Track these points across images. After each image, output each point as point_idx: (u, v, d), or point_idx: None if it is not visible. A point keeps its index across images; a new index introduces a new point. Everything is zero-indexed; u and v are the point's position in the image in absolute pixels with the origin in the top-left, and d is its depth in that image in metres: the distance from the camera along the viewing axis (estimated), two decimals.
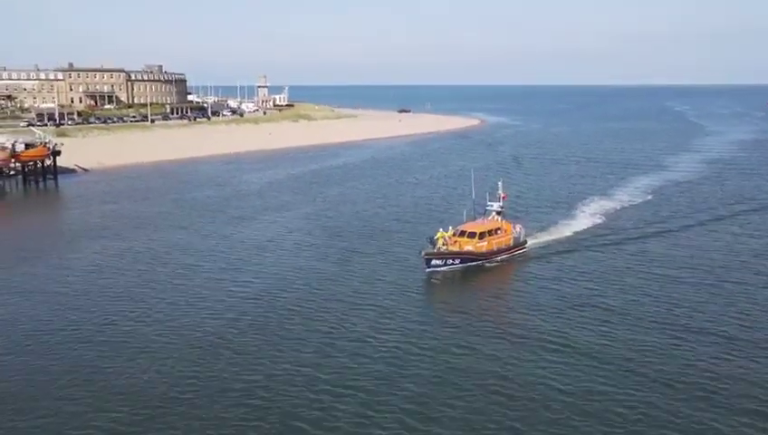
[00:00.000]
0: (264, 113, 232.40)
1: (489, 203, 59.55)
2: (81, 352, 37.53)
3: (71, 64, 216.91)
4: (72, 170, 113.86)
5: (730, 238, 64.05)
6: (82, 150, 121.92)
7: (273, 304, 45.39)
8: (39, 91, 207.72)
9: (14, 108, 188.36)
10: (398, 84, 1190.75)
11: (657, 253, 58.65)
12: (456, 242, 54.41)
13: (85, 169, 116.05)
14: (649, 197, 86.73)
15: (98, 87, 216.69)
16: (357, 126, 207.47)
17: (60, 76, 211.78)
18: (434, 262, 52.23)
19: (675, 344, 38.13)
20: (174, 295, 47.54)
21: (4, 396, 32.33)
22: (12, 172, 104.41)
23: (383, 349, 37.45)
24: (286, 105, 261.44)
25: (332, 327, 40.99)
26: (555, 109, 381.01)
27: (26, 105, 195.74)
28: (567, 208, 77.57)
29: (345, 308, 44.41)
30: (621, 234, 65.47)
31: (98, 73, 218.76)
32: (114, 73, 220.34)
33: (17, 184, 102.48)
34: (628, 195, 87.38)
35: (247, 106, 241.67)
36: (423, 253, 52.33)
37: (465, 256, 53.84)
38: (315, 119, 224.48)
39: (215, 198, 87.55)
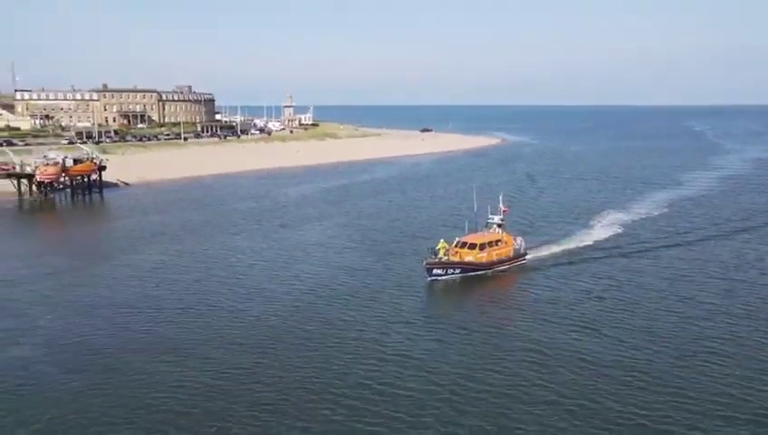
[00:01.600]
0: (291, 132, 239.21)
1: (490, 216, 62.00)
2: (163, 331, 43.28)
3: (105, 85, 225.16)
4: (115, 184, 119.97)
5: (738, 252, 66.16)
6: (123, 166, 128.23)
7: (314, 297, 50.99)
8: (75, 111, 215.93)
9: (53, 126, 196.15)
10: (419, 105, 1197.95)
11: (660, 265, 60.60)
12: (456, 253, 56.93)
13: (127, 184, 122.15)
14: (658, 211, 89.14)
15: (131, 107, 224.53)
16: (381, 144, 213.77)
17: (95, 96, 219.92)
18: (435, 271, 54.63)
19: (678, 356, 39.27)
20: (234, 289, 53.19)
21: (98, 360, 38.11)
22: (60, 186, 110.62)
23: (387, 344, 41.55)
24: (311, 124, 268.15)
25: (359, 315, 46.61)
26: (575, 128, 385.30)
27: (63, 124, 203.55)
28: (572, 223, 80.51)
29: (363, 304, 49.45)
30: (625, 248, 67.29)
31: (131, 94, 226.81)
32: (147, 94, 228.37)
33: (66, 197, 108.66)
34: (637, 210, 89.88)
35: (274, 125, 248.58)
36: (425, 262, 54.93)
37: (465, 266, 56.25)
38: (340, 137, 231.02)
39: (256, 209, 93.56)
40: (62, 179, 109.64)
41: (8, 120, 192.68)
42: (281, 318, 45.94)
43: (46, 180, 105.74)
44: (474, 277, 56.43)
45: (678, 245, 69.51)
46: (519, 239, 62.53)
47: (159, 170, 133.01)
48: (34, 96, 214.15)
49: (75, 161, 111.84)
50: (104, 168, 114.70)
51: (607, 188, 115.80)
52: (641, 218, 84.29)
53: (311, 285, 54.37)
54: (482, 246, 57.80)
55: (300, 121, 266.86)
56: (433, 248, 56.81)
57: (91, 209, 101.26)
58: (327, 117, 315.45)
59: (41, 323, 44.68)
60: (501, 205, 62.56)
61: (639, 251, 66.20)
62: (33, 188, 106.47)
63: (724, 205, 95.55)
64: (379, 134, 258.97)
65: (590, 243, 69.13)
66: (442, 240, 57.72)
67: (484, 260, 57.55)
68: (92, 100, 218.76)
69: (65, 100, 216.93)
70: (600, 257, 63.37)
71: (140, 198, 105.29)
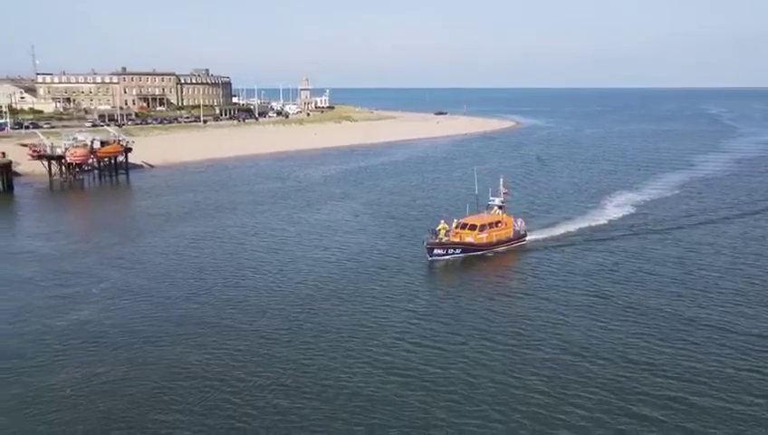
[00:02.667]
0: (308, 115, 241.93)
1: (491, 198, 63.47)
2: (205, 299, 46.62)
3: (124, 68, 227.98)
4: (140, 166, 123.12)
5: (747, 231, 68.11)
6: (146, 148, 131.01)
7: (341, 268, 54.74)
8: (95, 94, 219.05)
9: (75, 109, 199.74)
10: (433, 87, 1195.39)
11: (659, 247, 61.76)
12: (457, 234, 58.61)
13: (151, 166, 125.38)
14: (662, 194, 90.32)
15: (150, 90, 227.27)
16: (397, 127, 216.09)
17: (115, 80, 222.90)
18: (436, 251, 56.43)
19: (673, 335, 40.21)
20: (268, 261, 56.67)
21: (146, 322, 41.57)
22: (88, 168, 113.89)
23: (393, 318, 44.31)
24: (327, 107, 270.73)
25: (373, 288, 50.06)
26: (591, 111, 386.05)
27: (83, 107, 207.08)
28: (576, 204, 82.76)
29: (390, 276, 53.03)
30: (622, 230, 68.62)
31: (150, 77, 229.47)
32: (165, 77, 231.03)
33: (94, 178, 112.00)
34: (647, 191, 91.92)
35: (290, 108, 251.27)
36: (426, 242, 56.90)
37: (465, 247, 58.06)
38: (356, 120, 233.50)
39: (282, 188, 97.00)
40: (90, 161, 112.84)
41: (32, 104, 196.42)
42: (314, 287, 49.46)
43: (76, 162, 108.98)
44: (474, 257, 58.18)
45: (688, 226, 71.05)
46: (520, 221, 64.06)
47: (182, 152, 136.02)
48: (56, 80, 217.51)
49: (102, 143, 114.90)
50: (130, 149, 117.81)
51: (619, 170, 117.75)
52: (649, 200, 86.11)
53: (339, 257, 58.03)
54: (482, 227, 59.36)
55: (316, 104, 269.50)
56: (433, 229, 58.70)
57: (120, 190, 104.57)
58: (342, 100, 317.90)
59: (94, 291, 48.46)
60: (501, 187, 63.86)
61: (639, 233, 67.44)
62: (63, 169, 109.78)
63: (736, 186, 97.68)
64: (395, 117, 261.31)
65: (592, 224, 70.54)
66: (442, 221, 59.52)
67: (484, 241, 59.23)
68: (112, 83, 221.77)
69: (86, 83, 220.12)
70: (602, 239, 64.76)
71: (166, 179, 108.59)
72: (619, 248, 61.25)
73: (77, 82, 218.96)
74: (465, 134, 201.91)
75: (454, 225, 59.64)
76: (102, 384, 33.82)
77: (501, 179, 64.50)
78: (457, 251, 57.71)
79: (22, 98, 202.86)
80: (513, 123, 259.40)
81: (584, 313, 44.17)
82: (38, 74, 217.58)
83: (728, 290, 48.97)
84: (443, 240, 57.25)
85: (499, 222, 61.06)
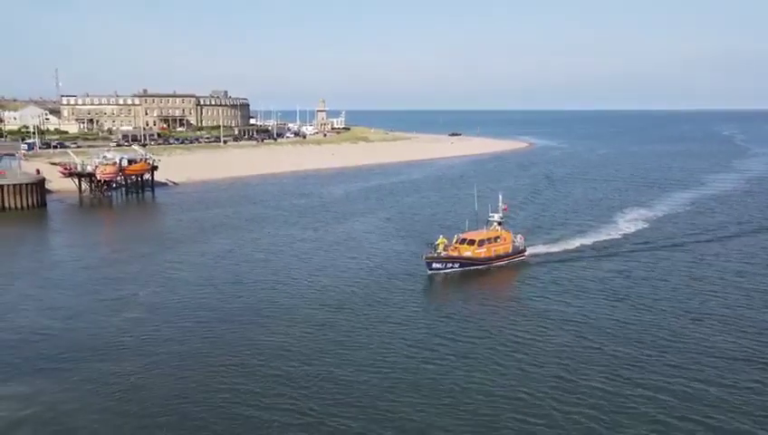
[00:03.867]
0: (325, 135, 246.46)
1: (491, 214, 64.92)
2: (242, 301, 50.11)
3: (145, 90, 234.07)
4: (165, 184, 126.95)
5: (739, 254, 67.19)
6: (169, 167, 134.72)
7: (364, 278, 58.04)
8: (118, 115, 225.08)
9: (99, 130, 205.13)
10: (446, 110, 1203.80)
11: (656, 263, 62.88)
12: (455, 248, 60.27)
13: (175, 183, 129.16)
14: (668, 211, 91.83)
15: (170, 111, 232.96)
16: (412, 147, 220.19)
17: (137, 101, 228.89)
18: (434, 265, 58.25)
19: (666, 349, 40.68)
20: (298, 269, 60.24)
21: (190, 320, 44.94)
22: (115, 185, 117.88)
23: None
24: (343, 128, 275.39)
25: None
26: (605, 132, 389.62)
27: (106, 128, 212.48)
28: (581, 221, 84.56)
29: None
30: (625, 246, 70.05)
31: (170, 99, 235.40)
32: (185, 99, 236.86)
33: (121, 194, 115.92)
34: (647, 210, 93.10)
35: (307, 129, 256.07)
36: (424, 257, 58.76)
37: (463, 261, 59.73)
38: (373, 141, 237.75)
39: (306, 205, 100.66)
40: (118, 178, 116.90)
41: (57, 125, 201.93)
42: (341, 292, 52.92)
43: (105, 179, 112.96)
44: (472, 271, 59.79)
45: (691, 242, 72.26)
46: (519, 237, 65.90)
47: (204, 171, 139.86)
48: (79, 101, 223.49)
49: (130, 162, 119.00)
50: (156, 167, 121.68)
51: (629, 188, 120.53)
52: (652, 216, 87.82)
53: (365, 265, 61.71)
54: (480, 242, 61.06)
55: (332, 125, 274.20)
56: (432, 244, 60.80)
57: (148, 205, 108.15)
58: (357, 121, 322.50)
59: (140, 294, 52.22)
60: (500, 204, 65.59)
61: (640, 250, 68.54)
62: (93, 186, 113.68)
63: (747, 203, 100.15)
64: (410, 138, 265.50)
65: (594, 241, 71.87)
66: (441, 236, 61.54)
67: (482, 255, 60.94)
68: (134, 104, 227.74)
69: (108, 105, 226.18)
70: (602, 256, 66.09)
71: (192, 195, 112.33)
72: (619, 264, 62.45)
73: (100, 104, 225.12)
74: (480, 154, 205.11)
75: (454, 240, 61.58)
76: (159, 372, 37.32)
77: (500, 196, 66.40)
78: (455, 265, 59.27)
79: (47, 119, 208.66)
80: (526, 144, 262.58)
81: (572, 325, 45.29)
82: (62, 96, 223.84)
83: (733, 307, 49.22)
84: (441, 254, 59.15)
85: (498, 237, 62.72)
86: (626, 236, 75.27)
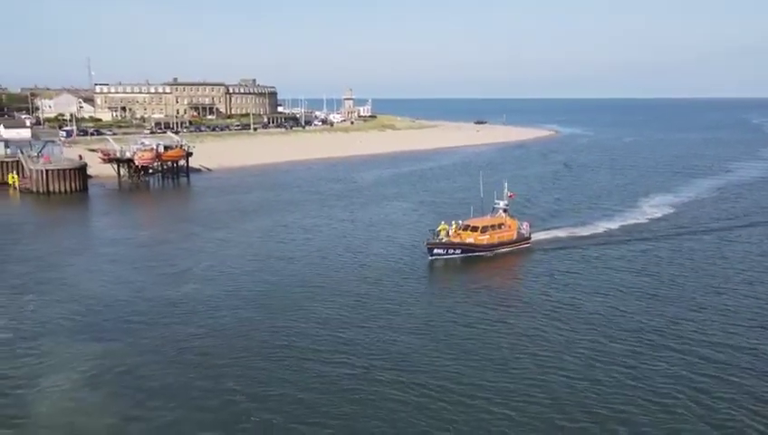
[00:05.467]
0: (352, 123, 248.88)
1: (496, 201, 65.00)
2: (288, 275, 53.18)
3: (175, 79, 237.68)
4: (198, 170, 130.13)
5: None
6: (202, 154, 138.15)
7: (403, 255, 60.55)
8: (149, 104, 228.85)
9: (132, 117, 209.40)
10: (471, 98, 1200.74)
11: (666, 252, 62.15)
12: (458, 234, 60.75)
13: (209, 169, 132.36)
14: (686, 200, 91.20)
15: (200, 99, 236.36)
16: (439, 135, 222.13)
17: (167, 90, 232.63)
18: (435, 251, 58.79)
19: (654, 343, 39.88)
20: (335, 248, 63.57)
21: (243, 293, 48.00)
22: (151, 171, 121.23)
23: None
24: (370, 116, 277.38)
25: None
26: (632, 120, 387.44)
27: (138, 115, 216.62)
28: (600, 207, 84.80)
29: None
30: (624, 236, 69.05)
31: (200, 87, 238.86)
32: (215, 87, 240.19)
33: (157, 180, 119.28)
34: (665, 199, 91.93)
35: (335, 117, 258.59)
36: (426, 242, 59.53)
37: (465, 247, 60.25)
38: (399, 128, 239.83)
39: (340, 189, 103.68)
40: (155, 164, 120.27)
41: (92, 112, 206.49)
42: (379, 268, 56.06)
43: (143, 164, 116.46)
44: (475, 257, 60.39)
45: (702, 232, 71.46)
46: (525, 224, 66.08)
47: (236, 157, 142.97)
48: (112, 90, 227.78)
49: (166, 148, 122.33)
50: (191, 154, 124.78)
51: (655, 174, 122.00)
52: (670, 204, 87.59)
53: (402, 243, 65.07)
54: (483, 229, 61.40)
55: (359, 113, 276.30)
56: (434, 230, 61.40)
57: (184, 190, 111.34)
58: (384, 109, 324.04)
59: (194, 268, 55.64)
60: (506, 191, 65.48)
61: (638, 240, 67.73)
62: (131, 171, 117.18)
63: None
64: (436, 126, 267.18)
65: (605, 229, 71.85)
66: (443, 222, 62.04)
67: (484, 242, 61.24)
68: (165, 93, 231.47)
69: (140, 93, 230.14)
70: (613, 243, 65.83)
71: (226, 181, 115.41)
72: (626, 251, 62.48)
73: (132, 93, 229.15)
74: (505, 142, 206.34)
75: (455, 227, 61.80)
76: (222, 334, 40.90)
77: (505, 183, 66.45)
78: (457, 251, 59.95)
79: (81, 107, 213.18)
80: (551, 132, 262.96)
81: (570, 312, 45.55)
82: (96, 85, 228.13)
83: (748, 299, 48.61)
84: (443, 240, 59.92)
85: (502, 224, 63.07)
86: (637, 224, 74.60)
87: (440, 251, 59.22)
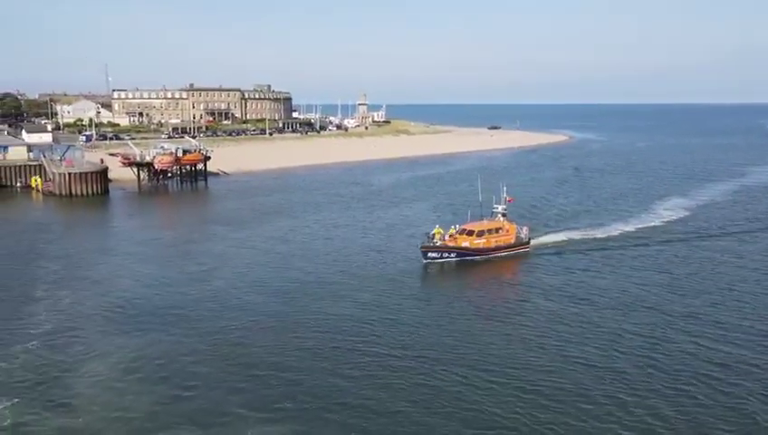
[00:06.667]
0: (366, 128, 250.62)
1: (495, 205, 65.05)
2: (311, 272, 54.62)
3: (191, 85, 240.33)
4: (216, 174, 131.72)
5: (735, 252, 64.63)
6: (219, 158, 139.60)
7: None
8: (166, 109, 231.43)
9: (149, 122, 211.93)
10: (486, 103, 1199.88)
11: (659, 256, 61.80)
12: (454, 238, 60.55)
13: (226, 173, 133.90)
14: (685, 208, 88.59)
15: (216, 105, 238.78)
16: (453, 140, 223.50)
17: (184, 95, 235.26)
18: (430, 254, 58.67)
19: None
20: (360, 247, 64.86)
21: (266, 290, 49.47)
22: (170, 175, 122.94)
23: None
24: (384, 121, 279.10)
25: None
26: (645, 126, 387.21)
27: (155, 120, 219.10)
28: (597, 214, 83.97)
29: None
30: (619, 241, 68.40)
31: (216, 92, 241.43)
32: (231, 92, 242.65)
33: (176, 184, 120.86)
34: (660, 207, 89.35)
35: (349, 122, 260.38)
36: (420, 246, 59.35)
37: (460, 251, 60.06)
38: (413, 133, 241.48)
39: (356, 193, 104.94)
40: (174, 168, 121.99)
41: (110, 117, 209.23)
42: (399, 268, 57.34)
43: (162, 168, 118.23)
44: (470, 262, 59.99)
45: (707, 237, 70.92)
46: (525, 228, 65.49)
47: (253, 162, 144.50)
48: (129, 95, 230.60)
49: (185, 152, 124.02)
50: (209, 158, 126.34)
51: (666, 180, 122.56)
52: (675, 209, 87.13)
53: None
54: (479, 233, 61.15)
55: (373, 119, 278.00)
56: (428, 233, 61.17)
57: (203, 193, 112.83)
58: (398, 115, 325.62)
59: (224, 268, 57.12)
60: (505, 195, 65.08)
61: (640, 245, 67.12)
62: (150, 174, 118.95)
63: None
64: (450, 131, 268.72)
65: (617, 232, 71.65)
66: (437, 226, 62.11)
67: (480, 246, 60.98)
68: (182, 98, 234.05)
69: (157, 98, 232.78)
70: (618, 248, 65.51)
71: (244, 184, 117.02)
72: (626, 256, 61.99)
73: (149, 98, 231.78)
74: (519, 147, 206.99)
75: (451, 230, 61.91)
76: (253, 328, 42.31)
77: (504, 188, 65.46)
78: (452, 255, 59.67)
79: (98, 113, 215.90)
80: (565, 137, 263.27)
81: (563, 315, 45.45)
82: (113, 90, 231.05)
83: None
84: (437, 244, 59.76)
85: (500, 228, 62.72)
86: (640, 230, 74.00)
87: (434, 255, 59.05)
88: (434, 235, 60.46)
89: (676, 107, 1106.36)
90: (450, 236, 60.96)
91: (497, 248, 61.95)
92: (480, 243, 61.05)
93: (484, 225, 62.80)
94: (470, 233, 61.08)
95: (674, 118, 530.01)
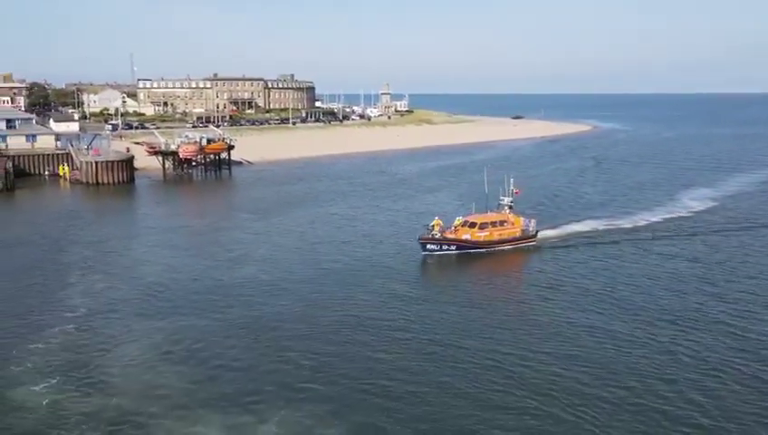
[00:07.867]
0: (389, 118, 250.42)
1: (501, 197, 63.22)
2: (342, 261, 55.24)
3: (215, 74, 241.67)
4: (240, 163, 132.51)
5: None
6: (243, 147, 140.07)
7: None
8: (190, 99, 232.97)
9: (174, 112, 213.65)
10: (508, 93, 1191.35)
11: (667, 251, 60.03)
12: (456, 230, 59.47)
13: (250, 162, 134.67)
14: (705, 200, 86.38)
15: (239, 94, 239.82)
16: (476, 130, 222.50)
17: (208, 85, 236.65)
18: (429, 246, 57.70)
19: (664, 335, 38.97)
20: (387, 234, 65.89)
21: (295, 277, 50.07)
22: (194, 163, 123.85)
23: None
24: (406, 111, 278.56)
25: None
26: (671, 116, 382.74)
27: (180, 110, 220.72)
28: (611, 207, 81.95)
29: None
30: (631, 234, 66.53)
31: (240, 82, 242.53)
32: (254, 82, 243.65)
33: (200, 172, 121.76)
34: (676, 200, 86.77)
35: (372, 111, 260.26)
36: (419, 238, 58.45)
37: (461, 243, 58.91)
38: (436, 123, 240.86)
39: (381, 181, 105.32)
40: (198, 157, 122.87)
41: (136, 107, 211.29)
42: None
43: (187, 157, 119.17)
44: (470, 254, 58.92)
45: (710, 232, 68.00)
46: (532, 221, 63.50)
47: (277, 151, 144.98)
48: (154, 85, 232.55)
49: (209, 141, 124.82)
50: (233, 147, 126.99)
51: (693, 169, 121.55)
52: (686, 202, 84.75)
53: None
54: (482, 226, 59.81)
55: (396, 108, 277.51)
56: (428, 225, 59.77)
57: (227, 182, 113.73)
58: (420, 104, 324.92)
59: (256, 253, 58.38)
60: (512, 187, 63.27)
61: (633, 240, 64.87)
62: (175, 163, 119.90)
63: None
64: (473, 121, 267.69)
65: (614, 226, 69.64)
66: (437, 217, 60.49)
67: (482, 239, 59.57)
68: (206, 88, 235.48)
69: (181, 88, 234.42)
70: (626, 240, 64.14)
71: (269, 173, 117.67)
72: (630, 252, 60.09)
73: (173, 87, 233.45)
74: (543, 137, 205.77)
75: (457, 222, 61.03)
76: (284, 314, 42.90)
77: (511, 180, 63.59)
78: (452, 247, 58.63)
79: (124, 102, 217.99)
80: (590, 127, 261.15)
81: (567, 309, 44.49)
82: (139, 80, 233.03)
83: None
84: (436, 236, 58.49)
85: (505, 221, 61.27)
86: (637, 225, 71.28)
87: (433, 247, 58.00)
88: (433, 226, 58.94)
89: (703, 96, 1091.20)
90: (454, 227, 60.03)
91: (501, 241, 60.45)
92: (482, 235, 59.64)
93: (488, 217, 61.43)
94: (472, 225, 59.86)
95: (701, 108, 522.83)
